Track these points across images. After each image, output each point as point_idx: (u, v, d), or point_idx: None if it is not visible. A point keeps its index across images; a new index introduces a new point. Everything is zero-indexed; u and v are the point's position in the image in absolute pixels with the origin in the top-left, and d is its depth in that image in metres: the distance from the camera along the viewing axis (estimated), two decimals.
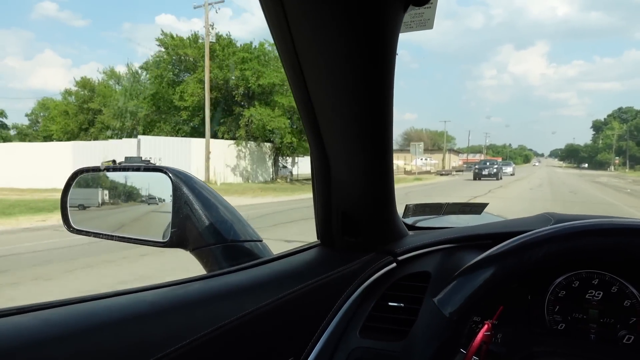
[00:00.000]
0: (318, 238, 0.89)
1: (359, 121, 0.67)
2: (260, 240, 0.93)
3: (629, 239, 0.49)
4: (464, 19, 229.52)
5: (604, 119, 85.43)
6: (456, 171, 44.53)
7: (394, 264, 0.83)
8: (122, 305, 0.57)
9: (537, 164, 73.34)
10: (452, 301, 0.53)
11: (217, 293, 0.67)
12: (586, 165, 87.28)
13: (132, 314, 0.56)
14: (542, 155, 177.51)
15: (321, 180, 0.80)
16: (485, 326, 0.57)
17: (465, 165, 59.46)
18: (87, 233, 0.88)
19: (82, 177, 0.88)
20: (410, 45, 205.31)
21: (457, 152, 71.15)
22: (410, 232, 0.96)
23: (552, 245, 0.51)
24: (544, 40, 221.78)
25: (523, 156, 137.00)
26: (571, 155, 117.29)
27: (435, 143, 71.89)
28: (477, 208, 1.27)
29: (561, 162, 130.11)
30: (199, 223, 0.84)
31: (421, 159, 41.54)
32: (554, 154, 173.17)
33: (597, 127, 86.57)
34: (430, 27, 0.63)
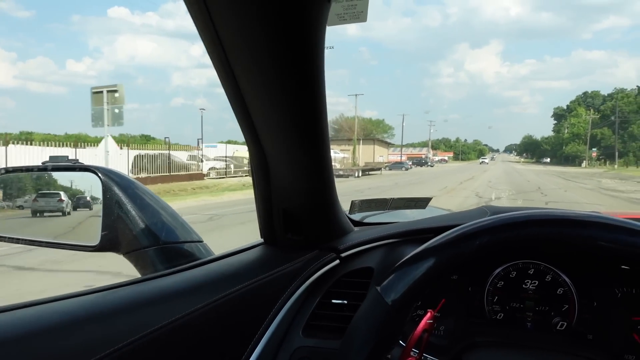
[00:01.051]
0: (261, 237, 1.07)
1: (292, 117, 0.81)
2: (201, 241, 1.10)
3: (555, 229, 0.60)
4: (422, 17, 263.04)
5: (567, 105, 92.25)
6: (382, 169, 43.54)
7: (337, 261, 1.02)
8: (30, 319, 0.62)
9: (486, 161, 70.76)
10: (395, 289, 0.63)
11: (145, 299, 0.77)
12: (548, 160, 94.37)
13: (39, 328, 0.61)
14: (498, 150, 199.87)
15: (260, 178, 0.96)
16: (428, 314, 0.69)
17: (410, 161, 62.86)
18: (3, 238, 1.00)
19: (2, 178, 1.00)
20: (370, 42, 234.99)
21: (388, 144, 73.15)
22: (356, 228, 1.18)
23: (484, 236, 0.63)
24: (498, 39, 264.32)
25: (477, 151, 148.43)
26: (529, 149, 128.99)
27: (371, 133, 74.39)
28: (421, 202, 1.57)
29: (518, 158, 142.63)
30: (132, 224, 0.98)
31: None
32: (509, 149, 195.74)
33: (559, 115, 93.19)
34: (364, 19, 0.76)
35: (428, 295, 0.94)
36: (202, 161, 24.05)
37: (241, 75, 0.73)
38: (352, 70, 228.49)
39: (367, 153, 55.15)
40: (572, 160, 76.43)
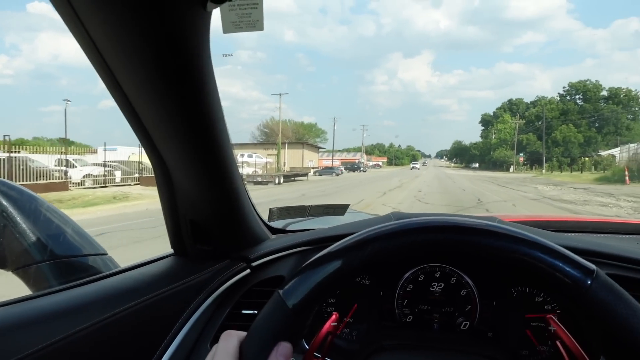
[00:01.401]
0: (172, 247, 1.05)
1: (184, 126, 0.78)
2: (105, 254, 1.05)
3: (439, 235, 0.61)
4: (357, 26, 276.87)
5: (494, 112, 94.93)
6: (308, 174, 41.56)
7: (248, 270, 1.01)
8: None
9: (417, 166, 69.55)
10: (296, 293, 0.62)
11: (22, 321, 0.72)
12: (477, 165, 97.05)
13: None
14: (429, 156, 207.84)
15: (164, 188, 0.94)
16: (333, 316, 0.70)
17: (343, 166, 60.76)
18: None
19: None
20: (307, 49, 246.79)
21: (317, 147, 70.93)
22: (274, 236, 1.18)
23: (375, 243, 0.63)
24: (429, 50, 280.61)
25: (410, 156, 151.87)
26: (459, 154, 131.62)
27: (303, 137, 71.92)
28: (340, 209, 1.57)
29: (449, 163, 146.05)
30: (23, 238, 0.92)
31: (241, 155, 37.75)
32: (440, 154, 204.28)
33: (487, 121, 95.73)
34: (261, 28, 0.75)
35: (340, 301, 0.99)
36: (73, 167, 19.16)
37: (126, 84, 0.72)
38: (290, 76, 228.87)
39: (295, 157, 52.12)
40: (499, 165, 77.44)
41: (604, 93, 73.65)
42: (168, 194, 0.94)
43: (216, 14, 0.69)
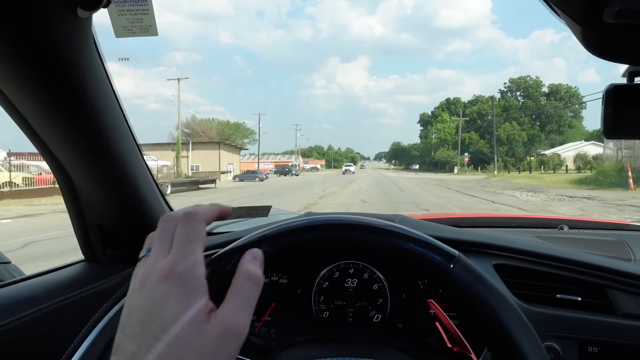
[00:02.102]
0: (82, 254, 1.03)
1: (78, 131, 0.78)
2: (8, 262, 1.03)
3: (326, 233, 0.63)
4: (294, 30, 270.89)
5: (432, 112, 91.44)
6: (216, 181, 35.36)
7: None
8: None
9: (351, 169, 60.04)
10: None
11: None
12: (417, 166, 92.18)
13: None
14: (369, 158, 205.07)
15: (67, 193, 0.92)
16: None
17: (275, 169, 53.01)
18: None
19: None
20: (244, 52, 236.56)
21: (239, 148, 61.03)
22: None
23: (270, 241, 0.64)
24: (365, 55, 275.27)
25: (349, 158, 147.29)
26: (398, 155, 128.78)
27: (228, 138, 63.45)
28: (262, 210, 1.54)
29: (388, 165, 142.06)
30: None
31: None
32: (379, 156, 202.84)
33: (425, 121, 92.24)
34: (155, 33, 0.77)
35: (258, 300, 0.97)
36: None
37: (10, 93, 0.73)
38: (227, 78, 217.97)
39: (210, 160, 43.34)
40: (441, 166, 72.11)
41: (545, 90, 70.57)
42: (71, 199, 0.93)
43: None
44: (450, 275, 0.58)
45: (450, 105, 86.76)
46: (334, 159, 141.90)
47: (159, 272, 0.43)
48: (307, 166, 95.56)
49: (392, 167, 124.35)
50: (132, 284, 0.46)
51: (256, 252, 0.49)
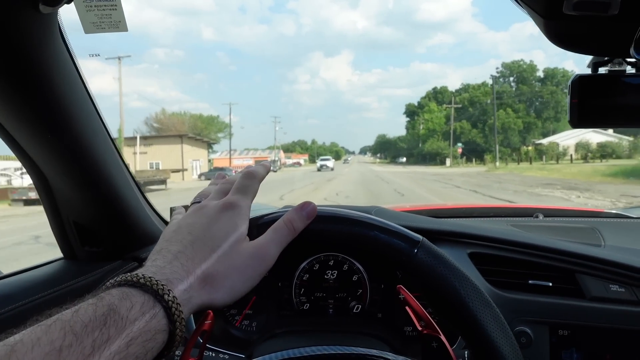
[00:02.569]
0: (61, 251, 1.03)
1: (47, 127, 0.78)
2: None
3: (324, 226, 0.62)
4: (277, 25, 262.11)
5: (418, 102, 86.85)
6: (166, 182, 30.19)
7: None
8: None
9: (329, 164, 55.23)
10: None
11: None
12: (404, 159, 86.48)
13: None
14: (354, 152, 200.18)
15: (42, 190, 0.93)
16: (209, 314, 0.67)
17: (251, 167, 46.97)
18: None
19: None
20: (227, 48, 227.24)
21: (208, 143, 54.82)
22: None
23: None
24: (348, 49, 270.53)
25: (334, 152, 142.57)
26: (384, 148, 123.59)
27: (201, 132, 57.49)
28: None
29: (373, 158, 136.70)
30: None
31: None
32: (364, 150, 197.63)
33: (412, 112, 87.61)
34: (124, 29, 0.76)
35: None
36: None
37: None
38: (211, 74, 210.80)
39: (172, 156, 37.34)
40: (431, 158, 66.18)
41: (540, 74, 65.68)
42: (47, 197, 0.93)
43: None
44: (414, 260, 0.58)
45: (437, 95, 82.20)
46: (318, 153, 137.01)
47: (220, 203, 0.54)
48: (289, 161, 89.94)
49: (378, 160, 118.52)
50: (189, 210, 0.56)
51: (309, 206, 0.58)
